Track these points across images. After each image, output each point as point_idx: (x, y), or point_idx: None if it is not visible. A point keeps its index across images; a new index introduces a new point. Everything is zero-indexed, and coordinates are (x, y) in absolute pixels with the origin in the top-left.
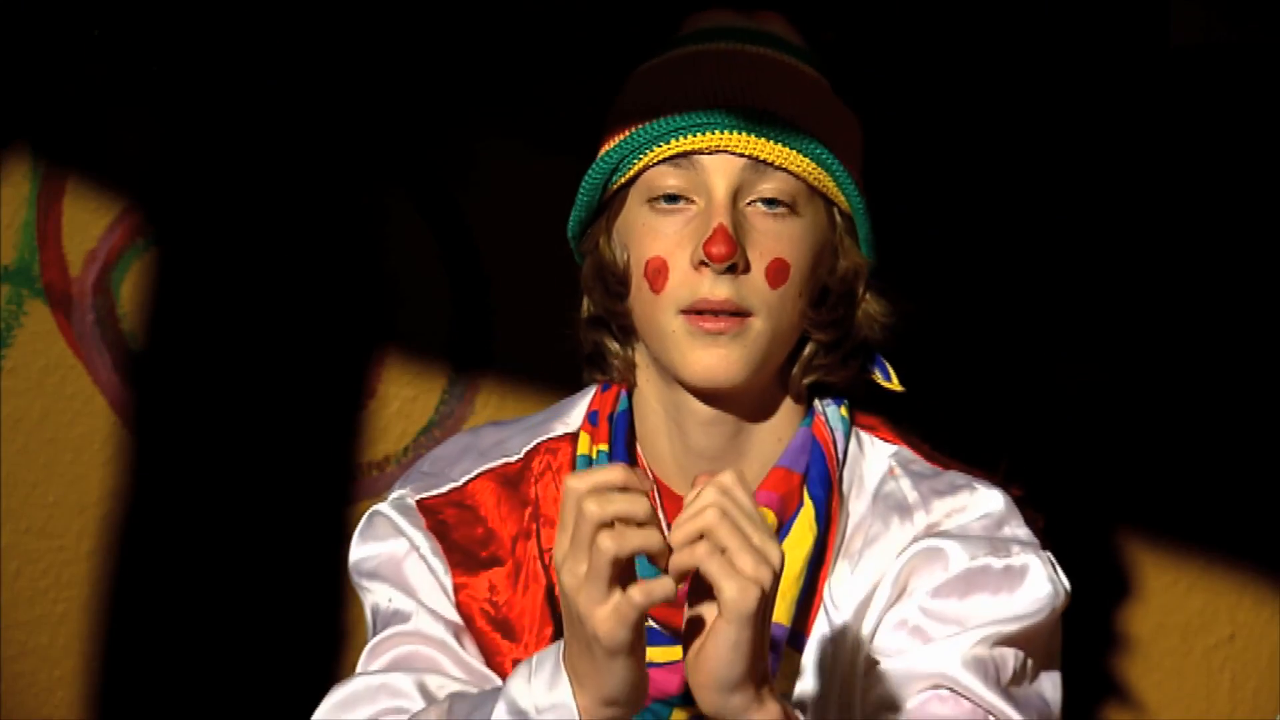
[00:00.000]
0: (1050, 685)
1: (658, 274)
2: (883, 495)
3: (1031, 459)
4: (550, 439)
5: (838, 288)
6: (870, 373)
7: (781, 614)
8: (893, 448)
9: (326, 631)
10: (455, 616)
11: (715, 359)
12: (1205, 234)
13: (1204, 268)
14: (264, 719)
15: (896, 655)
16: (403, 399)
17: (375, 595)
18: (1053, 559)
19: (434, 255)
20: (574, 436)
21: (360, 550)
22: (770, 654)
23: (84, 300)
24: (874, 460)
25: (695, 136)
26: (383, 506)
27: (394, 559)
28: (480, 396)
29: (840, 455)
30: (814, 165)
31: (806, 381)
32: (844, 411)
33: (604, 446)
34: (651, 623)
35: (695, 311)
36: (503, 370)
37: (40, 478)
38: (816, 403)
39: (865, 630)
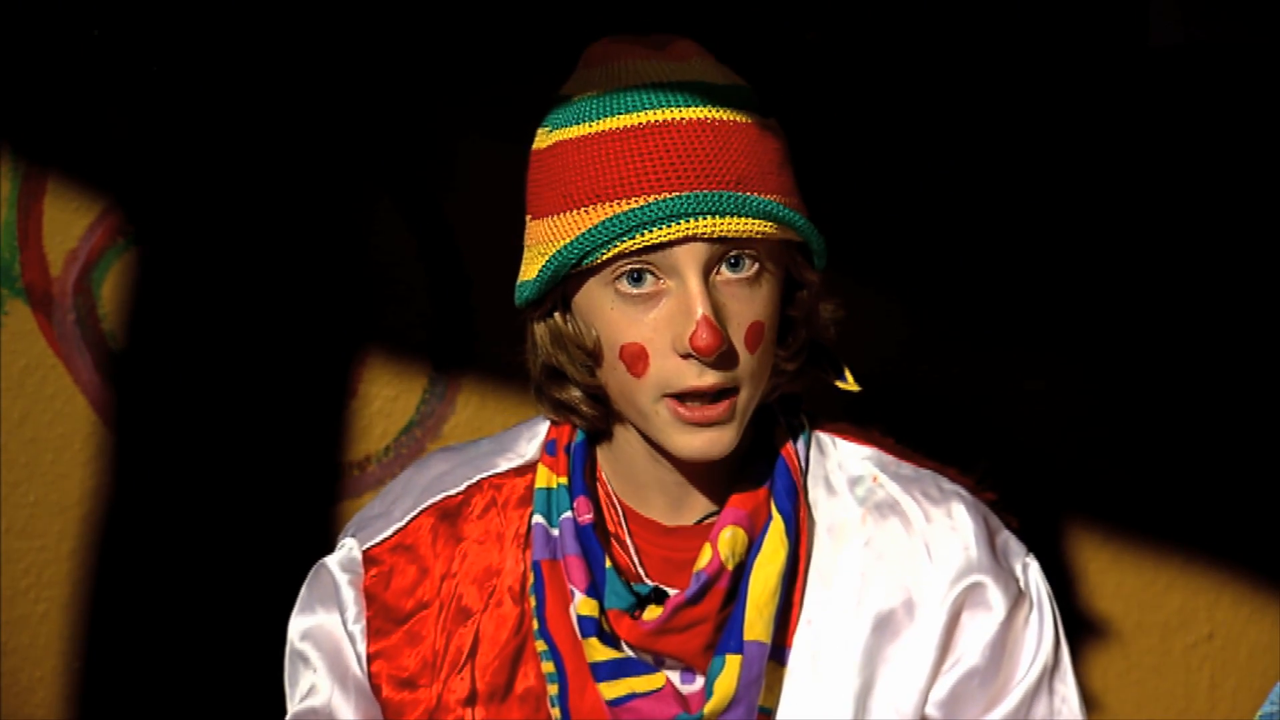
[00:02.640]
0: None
1: (636, 359)
2: (873, 504)
3: (1008, 459)
4: (494, 475)
5: (800, 314)
6: (827, 374)
7: (760, 631)
8: (865, 450)
9: None
10: (367, 701)
11: (704, 441)
12: (1184, 233)
13: (1182, 266)
14: (244, 719)
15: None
16: (384, 398)
17: (305, 656)
18: (1038, 569)
19: (415, 255)
20: (520, 470)
21: (300, 609)
22: (753, 670)
23: (65, 300)
24: (841, 462)
25: (663, 229)
26: (330, 561)
27: (326, 630)
28: (461, 396)
29: (803, 464)
30: (773, 226)
31: (770, 398)
32: (802, 419)
33: (563, 480)
34: (629, 651)
35: (679, 397)
36: (483, 370)
37: (21, 478)
38: (777, 414)
39: (889, 647)
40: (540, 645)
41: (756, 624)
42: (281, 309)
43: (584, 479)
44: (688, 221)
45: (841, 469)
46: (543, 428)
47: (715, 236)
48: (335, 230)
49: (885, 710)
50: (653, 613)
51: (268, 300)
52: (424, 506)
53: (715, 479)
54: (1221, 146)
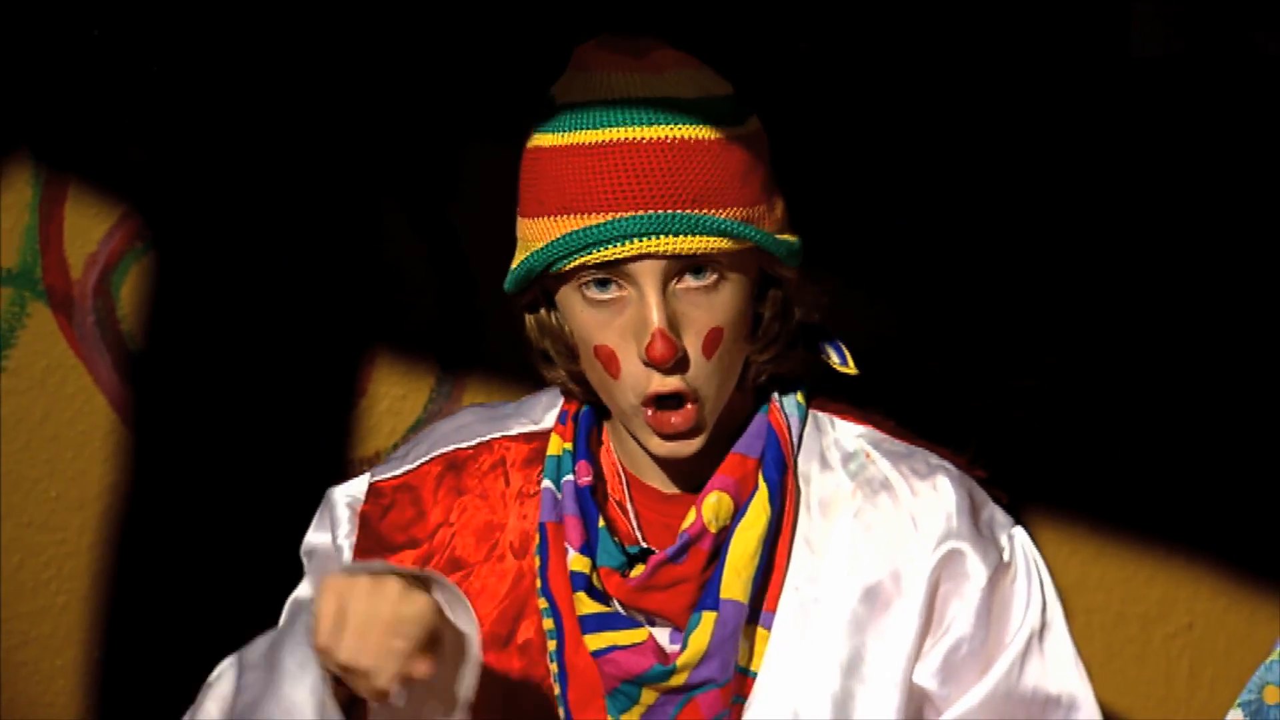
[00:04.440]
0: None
1: (610, 361)
2: (864, 479)
3: (996, 454)
4: (505, 436)
5: (771, 310)
6: (826, 356)
7: (738, 591)
8: (859, 429)
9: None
10: None
11: (671, 447)
12: (1166, 239)
13: (1163, 270)
14: None
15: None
16: (392, 397)
17: (306, 577)
18: (1026, 538)
19: (422, 257)
20: (530, 436)
21: (311, 529)
22: (728, 627)
23: (84, 302)
24: (837, 440)
25: (618, 247)
26: (336, 489)
27: (321, 549)
28: (467, 395)
29: (795, 439)
30: (728, 242)
31: (759, 381)
32: (800, 398)
33: (569, 446)
34: (618, 608)
35: (650, 401)
36: (489, 369)
37: (42, 474)
38: (774, 392)
39: (878, 619)
40: (542, 603)
41: (734, 584)
42: (293, 311)
43: (587, 445)
44: (642, 240)
45: (837, 446)
46: (561, 399)
47: (670, 254)
48: (345, 234)
49: (873, 679)
50: (639, 570)
51: (280, 302)
52: (435, 454)
53: (710, 452)
54: (1203, 155)
